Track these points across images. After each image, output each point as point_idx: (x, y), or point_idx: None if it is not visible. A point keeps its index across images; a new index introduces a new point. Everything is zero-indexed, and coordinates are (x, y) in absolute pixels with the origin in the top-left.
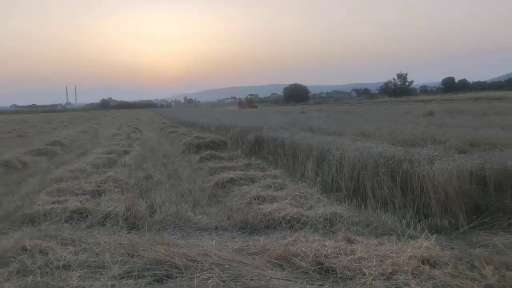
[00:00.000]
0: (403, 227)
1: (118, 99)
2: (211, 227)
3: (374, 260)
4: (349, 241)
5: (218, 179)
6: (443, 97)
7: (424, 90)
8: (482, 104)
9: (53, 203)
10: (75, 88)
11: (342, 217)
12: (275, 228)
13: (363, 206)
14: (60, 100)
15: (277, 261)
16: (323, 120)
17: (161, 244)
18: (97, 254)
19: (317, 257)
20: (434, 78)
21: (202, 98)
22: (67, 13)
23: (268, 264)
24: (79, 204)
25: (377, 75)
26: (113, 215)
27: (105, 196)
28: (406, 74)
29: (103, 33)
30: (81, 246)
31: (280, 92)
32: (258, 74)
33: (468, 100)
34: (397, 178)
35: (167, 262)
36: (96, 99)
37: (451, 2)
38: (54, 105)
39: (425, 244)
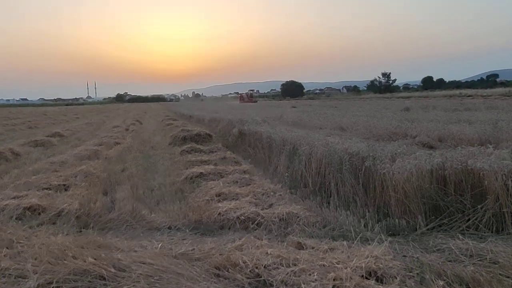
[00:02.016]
0: (360, 228)
1: (133, 94)
2: (164, 226)
3: (316, 273)
4: (299, 246)
5: (188, 174)
6: (422, 94)
7: (406, 87)
8: (455, 101)
9: (13, 198)
10: (95, 84)
11: (298, 217)
12: (229, 228)
13: (325, 204)
14: (82, 94)
15: (215, 271)
16: (307, 114)
17: (102, 248)
18: (26, 259)
19: (256, 268)
20: (415, 77)
21: (209, 93)
22: (85, 15)
23: (204, 275)
24: (34, 200)
25: (366, 74)
26: (65, 212)
27: (70, 191)
28: (390, 73)
29: (123, 34)
30: (17, 249)
31: (278, 88)
32: (259, 72)
33: (443, 97)
34: (359, 175)
35: (93, 272)
36: (114, 94)
37: (431, 7)
38: (76, 99)
39: (376, 252)
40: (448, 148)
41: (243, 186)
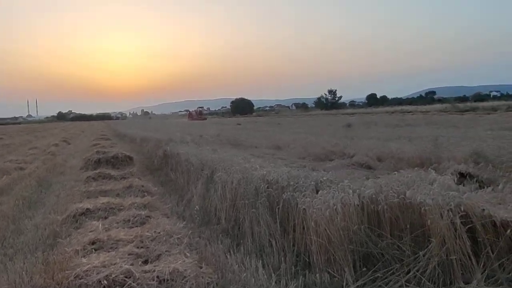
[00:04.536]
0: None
1: (78, 112)
2: None
3: None
4: None
5: (72, 210)
6: (366, 111)
7: (352, 104)
8: (397, 117)
9: None
10: (36, 101)
11: (185, 277)
12: None
13: (235, 249)
14: (23, 112)
15: None
16: (248, 132)
17: None
18: None
19: None
20: (361, 94)
21: (159, 110)
22: (27, 29)
23: None
24: None
25: (315, 91)
26: None
27: None
28: (336, 90)
29: (69, 49)
30: None
31: (229, 105)
32: (211, 89)
33: (386, 113)
34: (277, 211)
35: None
36: (58, 112)
37: (375, 27)
38: (15, 118)
39: None
40: (387, 169)
41: (135, 227)
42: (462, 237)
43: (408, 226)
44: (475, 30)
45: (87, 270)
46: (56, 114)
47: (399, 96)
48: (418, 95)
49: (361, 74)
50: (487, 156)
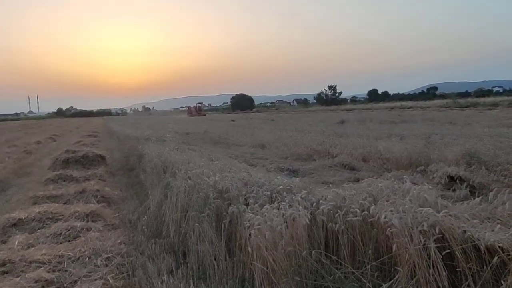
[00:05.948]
0: None
1: (79, 108)
2: None
3: None
4: None
5: (2, 222)
6: (366, 106)
7: (354, 100)
8: (395, 112)
9: None
10: (37, 98)
11: None
12: None
13: (170, 273)
14: (24, 109)
15: None
16: (237, 129)
17: None
18: None
19: None
20: (363, 90)
21: (160, 107)
22: (29, 26)
23: None
24: None
25: (317, 87)
26: None
27: None
28: (336, 86)
29: (71, 46)
30: None
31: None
32: (213, 85)
33: (385, 109)
34: (223, 226)
35: None
36: (57, 108)
37: (377, 24)
38: (16, 114)
39: None
40: (372, 171)
41: (66, 242)
42: (437, 266)
43: (371, 252)
44: (479, 27)
45: None
46: (55, 110)
47: (401, 92)
48: (420, 91)
49: (364, 71)
50: (481, 157)
